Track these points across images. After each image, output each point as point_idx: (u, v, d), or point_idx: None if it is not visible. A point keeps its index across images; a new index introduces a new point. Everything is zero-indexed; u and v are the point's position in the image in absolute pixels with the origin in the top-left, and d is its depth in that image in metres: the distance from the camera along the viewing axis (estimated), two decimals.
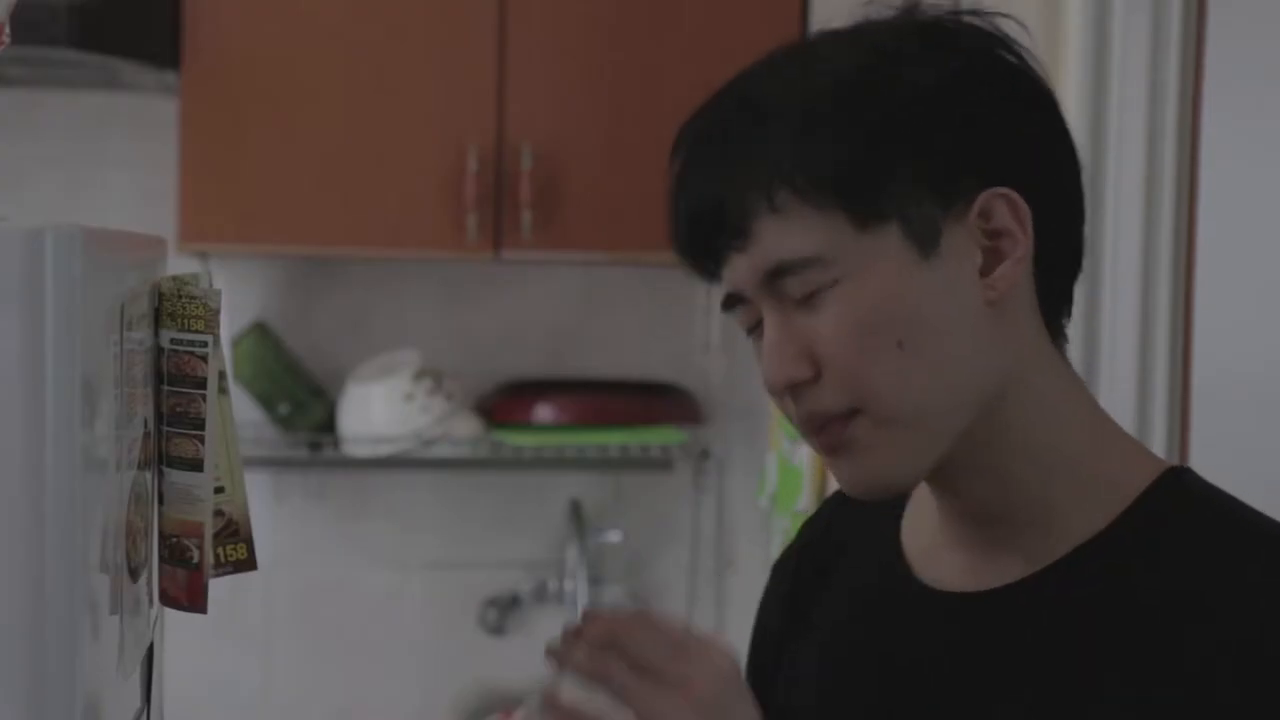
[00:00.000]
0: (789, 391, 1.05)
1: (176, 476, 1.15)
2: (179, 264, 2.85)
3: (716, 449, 3.30)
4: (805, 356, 1.03)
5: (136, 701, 1.19)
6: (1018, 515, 1.07)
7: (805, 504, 2.79)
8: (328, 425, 3.16)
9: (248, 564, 1.21)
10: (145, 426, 1.13)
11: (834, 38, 1.08)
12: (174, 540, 1.16)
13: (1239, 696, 0.95)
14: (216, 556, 1.19)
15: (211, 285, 1.16)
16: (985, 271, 1.03)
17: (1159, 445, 1.91)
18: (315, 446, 3.17)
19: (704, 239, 1.06)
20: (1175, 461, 1.15)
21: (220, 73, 2.94)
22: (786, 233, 1.02)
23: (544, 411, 3.18)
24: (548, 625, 3.32)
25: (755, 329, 1.08)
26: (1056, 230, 1.07)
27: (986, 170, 1.03)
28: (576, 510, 3.26)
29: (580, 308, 3.32)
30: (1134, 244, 2.06)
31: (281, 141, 2.96)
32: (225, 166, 2.95)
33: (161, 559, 1.18)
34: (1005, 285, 1.03)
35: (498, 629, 3.33)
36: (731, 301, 1.08)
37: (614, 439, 3.17)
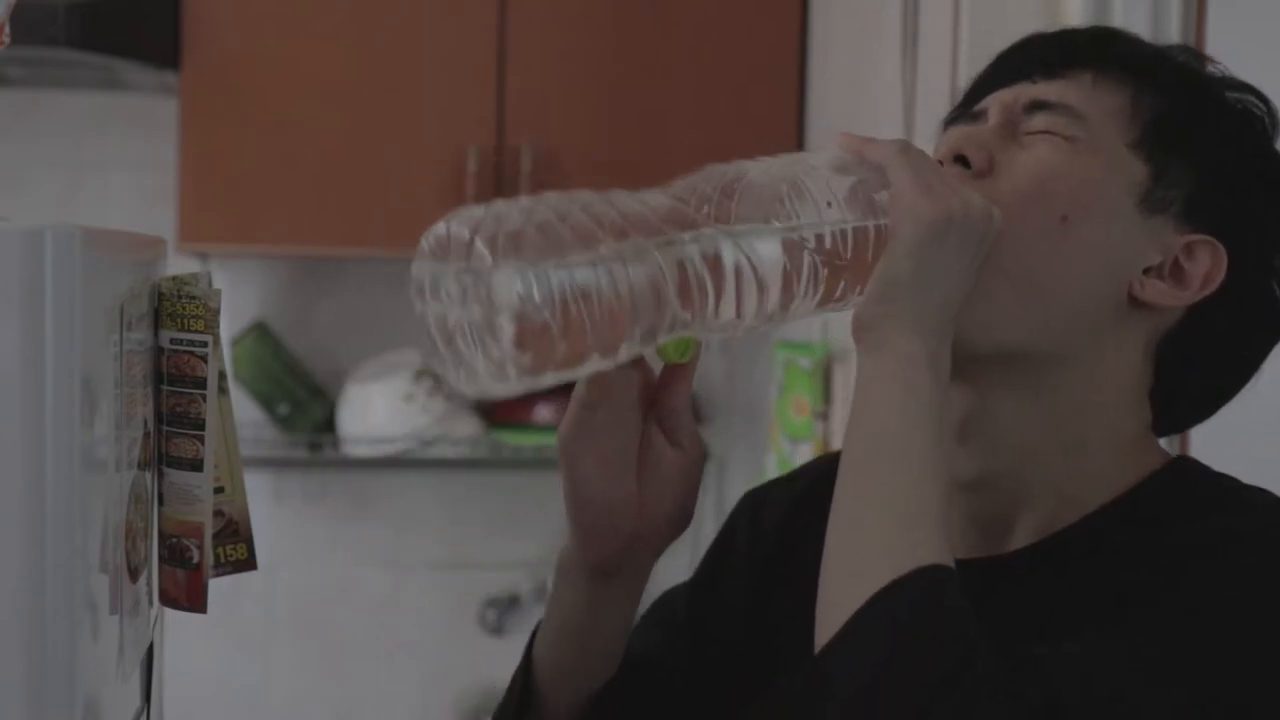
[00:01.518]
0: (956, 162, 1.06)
1: (176, 476, 1.15)
2: (179, 264, 2.85)
3: (716, 449, 3.30)
4: (984, 151, 1.06)
5: (136, 701, 1.19)
6: (1023, 492, 1.06)
7: None
8: (328, 425, 3.16)
9: (247, 564, 1.21)
10: (145, 427, 1.13)
11: None
12: (174, 540, 1.16)
13: (1235, 626, 0.94)
14: (216, 556, 1.18)
15: (211, 285, 1.16)
16: (1149, 270, 1.05)
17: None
18: (315, 447, 3.17)
19: (1037, 54, 1.10)
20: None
21: (220, 73, 2.94)
22: (1080, 93, 1.06)
23: (544, 411, 3.18)
24: None
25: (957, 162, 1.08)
26: (1250, 333, 1.10)
27: (1225, 227, 1.06)
28: None
29: None
30: None
31: (281, 141, 2.96)
32: (225, 166, 2.96)
33: (161, 559, 1.18)
34: (1151, 295, 1.04)
35: (498, 629, 3.33)
36: (965, 118, 1.11)
37: None
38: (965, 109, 1.13)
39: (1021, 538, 1.07)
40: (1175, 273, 1.05)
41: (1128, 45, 1.11)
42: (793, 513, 1.20)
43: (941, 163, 1.07)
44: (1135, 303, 1.05)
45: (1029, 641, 1.00)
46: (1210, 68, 1.11)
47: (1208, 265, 1.04)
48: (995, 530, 1.08)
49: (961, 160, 1.06)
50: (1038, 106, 1.06)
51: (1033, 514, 1.07)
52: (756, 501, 1.25)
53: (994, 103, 1.09)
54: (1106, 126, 1.05)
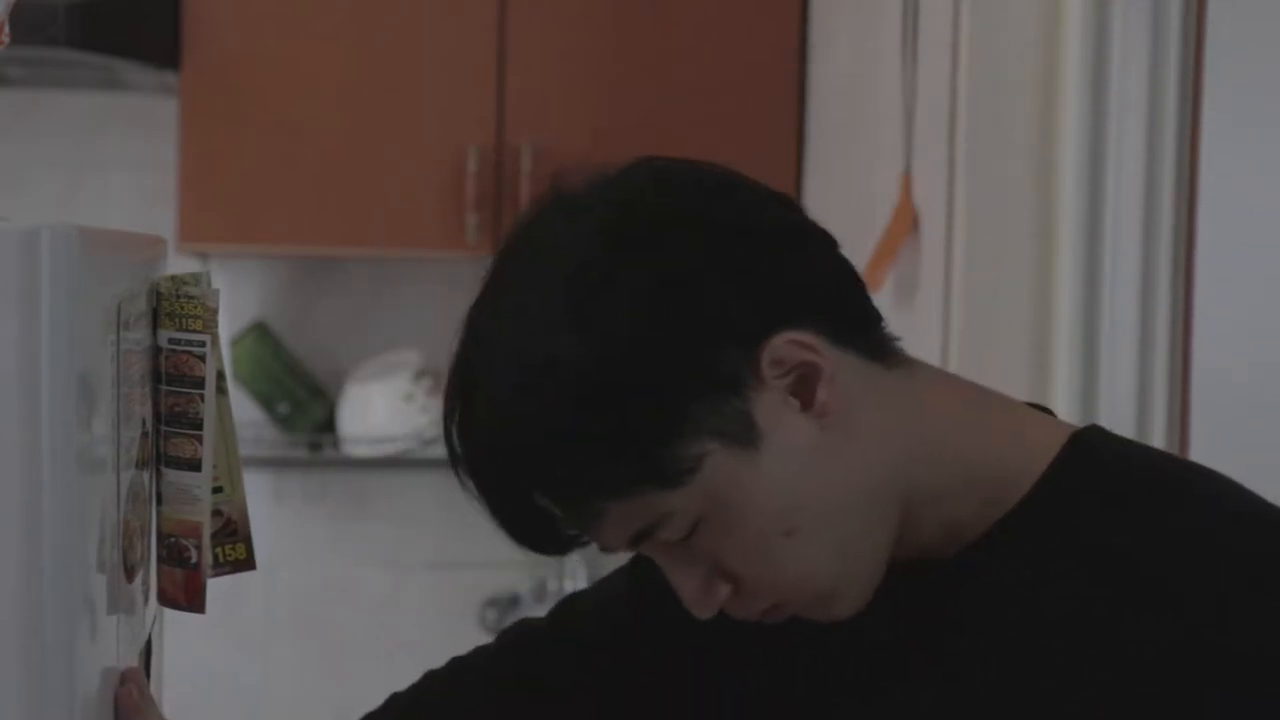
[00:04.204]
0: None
1: (175, 476, 1.15)
2: (179, 264, 2.85)
3: None
4: (715, 576, 1.02)
5: None
6: (925, 526, 1.05)
7: None
8: (328, 425, 3.16)
9: (246, 564, 1.21)
10: (143, 426, 1.13)
11: (532, 295, 1.02)
12: (172, 540, 1.16)
13: (1169, 645, 0.96)
14: (215, 556, 1.18)
15: (209, 285, 1.16)
16: (805, 406, 1.00)
17: (1159, 444, 1.91)
18: (315, 446, 3.17)
19: (539, 547, 1.05)
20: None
21: (220, 73, 2.94)
22: (622, 518, 1.00)
23: None
24: None
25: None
26: (835, 306, 1.03)
27: (754, 331, 0.99)
28: None
29: None
30: (1134, 244, 2.07)
31: (281, 141, 2.96)
32: (225, 166, 2.96)
33: (160, 559, 1.18)
34: (834, 406, 1.00)
35: (497, 629, 3.32)
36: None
37: None
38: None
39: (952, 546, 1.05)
40: (801, 370, 1.00)
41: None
42: None
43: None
44: (835, 415, 1.00)
45: (969, 652, 1.02)
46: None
47: (793, 349, 0.99)
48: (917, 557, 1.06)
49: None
50: (642, 536, 1.01)
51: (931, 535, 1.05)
52: None
53: (606, 548, 1.05)
54: (664, 502, 0.99)
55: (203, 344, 1.14)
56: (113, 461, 1.03)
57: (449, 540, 3.34)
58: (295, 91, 2.96)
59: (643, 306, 0.98)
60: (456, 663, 1.28)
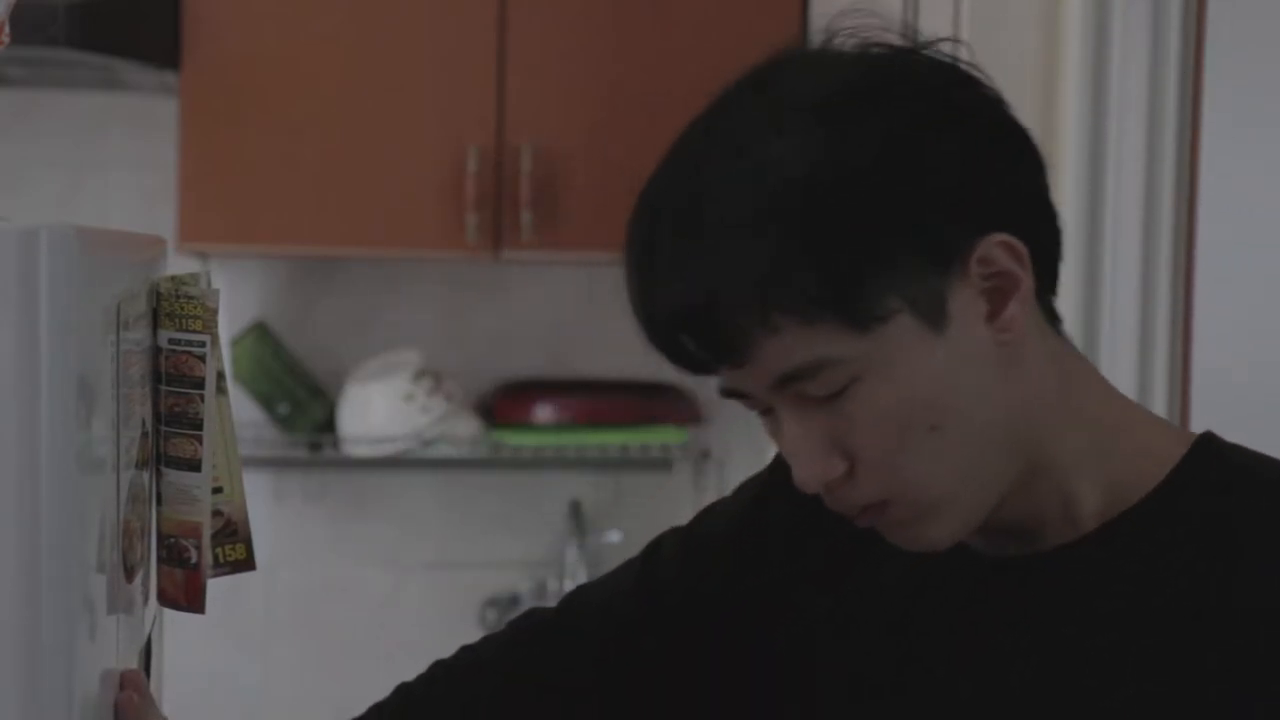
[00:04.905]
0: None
1: (175, 476, 1.15)
2: (179, 264, 2.85)
3: (716, 449, 3.29)
4: (834, 453, 1.00)
5: None
6: (1046, 507, 1.05)
7: None
8: (327, 425, 3.16)
9: (246, 564, 1.21)
10: (143, 426, 1.13)
11: (781, 104, 1.00)
12: (172, 540, 1.16)
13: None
14: (215, 557, 1.18)
15: (210, 285, 1.16)
16: (993, 315, 1.00)
17: None
18: (315, 446, 3.17)
19: (688, 356, 1.01)
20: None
21: (220, 73, 2.94)
22: (787, 348, 0.97)
23: (544, 411, 3.18)
24: None
25: (768, 412, 1.03)
26: (1042, 236, 1.04)
27: (977, 219, 0.99)
28: (576, 510, 3.26)
29: (580, 308, 3.32)
30: (1134, 244, 2.07)
31: (281, 141, 2.96)
32: (225, 166, 2.95)
33: (160, 559, 1.18)
34: (1017, 326, 1.01)
35: (497, 629, 3.33)
36: (734, 394, 1.03)
37: (614, 439, 3.17)
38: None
39: (1062, 532, 1.05)
40: (999, 280, 1.00)
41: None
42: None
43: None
44: (1014, 338, 1.01)
45: (1092, 639, 1.01)
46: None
47: (1004, 254, 0.99)
48: (1023, 531, 1.06)
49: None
50: (792, 378, 0.98)
51: (1053, 517, 1.05)
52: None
53: (744, 389, 1.01)
54: (837, 343, 0.97)
55: (203, 344, 1.14)
56: (112, 462, 1.03)
57: (449, 540, 3.34)
58: (295, 91, 2.96)
59: (891, 145, 0.97)
60: (465, 652, 1.28)
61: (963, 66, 1.05)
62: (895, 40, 1.05)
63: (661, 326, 1.01)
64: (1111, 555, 1.03)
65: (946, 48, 1.05)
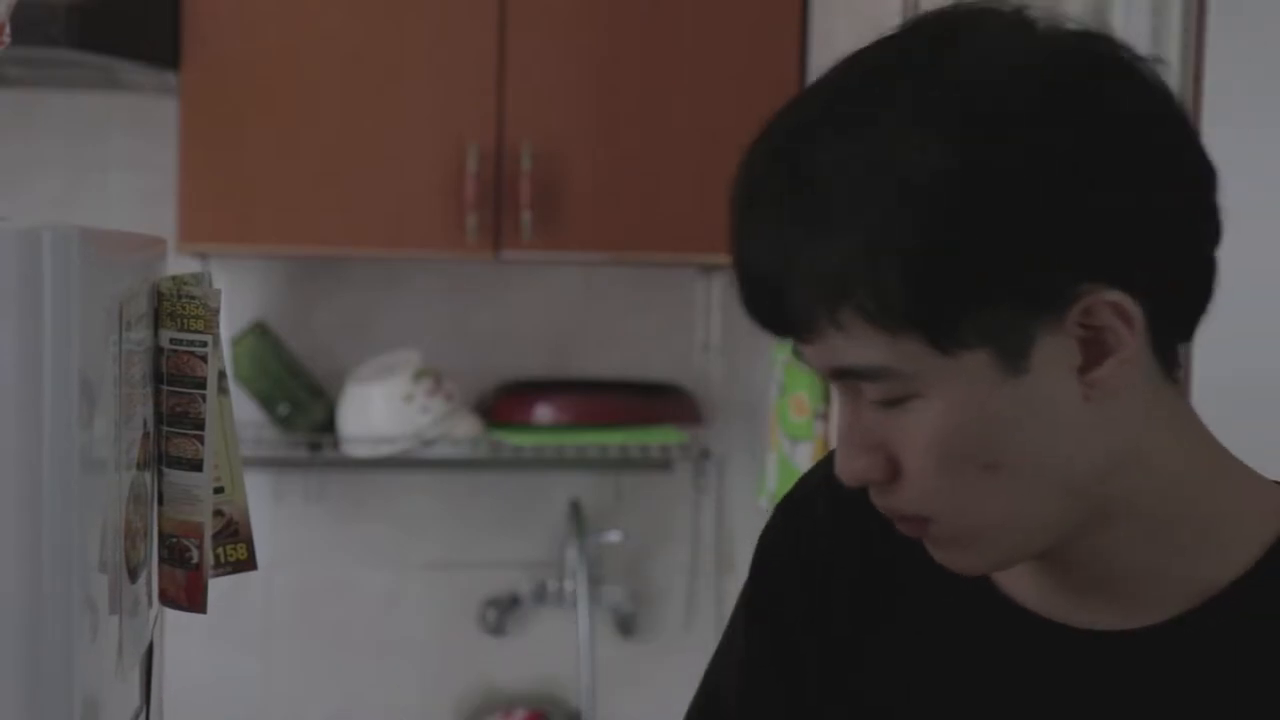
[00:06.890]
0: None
1: (176, 476, 1.15)
2: (179, 264, 2.85)
3: (716, 449, 3.30)
4: (880, 455, 0.96)
5: (135, 701, 1.19)
6: (1131, 571, 1.01)
7: None
8: (327, 425, 3.16)
9: (247, 564, 1.21)
10: (145, 426, 1.13)
11: (939, 93, 0.92)
12: (173, 540, 1.16)
13: None
14: (216, 556, 1.19)
15: (211, 285, 1.16)
16: (1085, 369, 0.93)
17: None
18: (315, 447, 3.17)
19: (760, 315, 0.96)
20: None
21: (220, 73, 2.94)
22: (853, 345, 0.93)
23: (544, 411, 3.18)
24: (548, 626, 3.33)
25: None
26: (1185, 291, 0.97)
27: (1091, 269, 0.91)
28: (576, 510, 3.26)
29: (580, 308, 3.32)
30: None
31: (281, 141, 2.96)
32: (225, 166, 2.95)
33: (161, 559, 1.18)
34: (1110, 386, 0.94)
35: (497, 629, 3.33)
36: (801, 358, 0.99)
37: (614, 439, 3.17)
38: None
39: (1155, 608, 1.00)
40: (1099, 334, 0.93)
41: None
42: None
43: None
44: (1103, 396, 0.94)
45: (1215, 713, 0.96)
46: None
47: (1110, 313, 0.92)
48: (1104, 601, 1.02)
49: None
50: (849, 374, 0.95)
51: (1141, 587, 1.01)
52: (790, 538, 1.16)
53: (808, 359, 0.97)
54: (907, 355, 0.92)
55: (204, 344, 1.14)
56: (114, 462, 1.03)
57: (449, 540, 3.34)
58: (295, 91, 2.96)
59: (1034, 178, 0.89)
60: None
61: (1160, 96, 0.96)
62: (1102, 32, 0.97)
63: (740, 279, 0.96)
64: (1206, 637, 0.99)
65: (1154, 67, 0.97)
